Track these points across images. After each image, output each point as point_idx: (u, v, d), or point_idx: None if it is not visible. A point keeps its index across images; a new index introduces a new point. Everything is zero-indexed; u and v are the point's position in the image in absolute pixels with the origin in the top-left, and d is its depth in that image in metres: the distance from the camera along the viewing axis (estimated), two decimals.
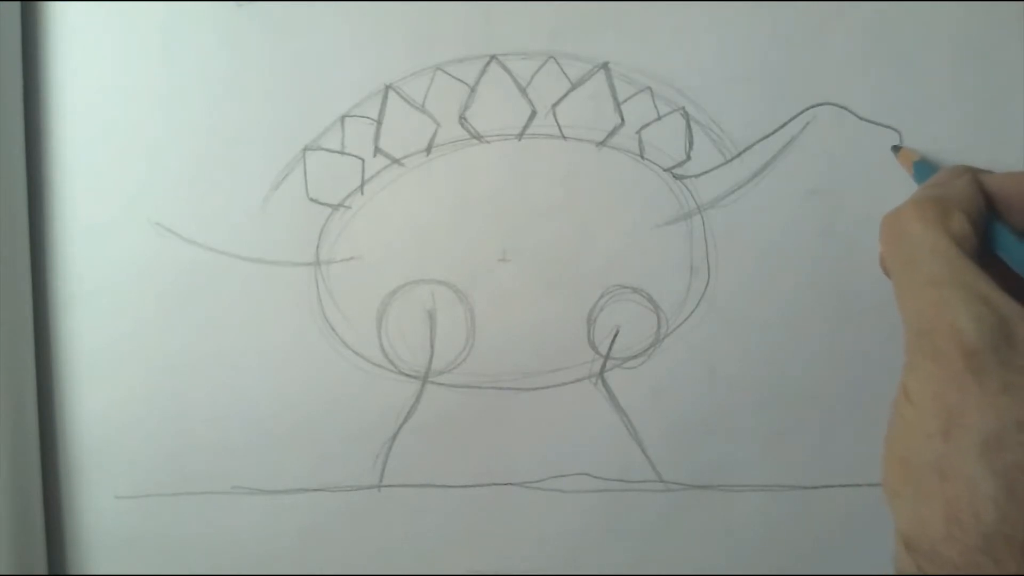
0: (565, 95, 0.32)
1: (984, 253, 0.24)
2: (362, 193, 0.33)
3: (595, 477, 0.34)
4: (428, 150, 0.33)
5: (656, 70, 0.32)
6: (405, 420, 0.34)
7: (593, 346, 0.33)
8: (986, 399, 0.20)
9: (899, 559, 0.22)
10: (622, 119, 0.32)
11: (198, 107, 0.33)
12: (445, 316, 0.33)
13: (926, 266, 0.23)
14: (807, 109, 0.32)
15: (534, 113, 0.32)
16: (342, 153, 0.33)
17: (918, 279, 0.23)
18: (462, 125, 0.33)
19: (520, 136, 0.33)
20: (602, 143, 0.33)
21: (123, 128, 0.33)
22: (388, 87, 0.33)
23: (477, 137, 0.33)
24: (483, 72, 0.32)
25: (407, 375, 0.34)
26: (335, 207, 0.33)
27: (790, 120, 0.32)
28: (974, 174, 0.25)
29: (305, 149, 0.33)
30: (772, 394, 0.33)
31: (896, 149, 0.31)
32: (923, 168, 0.29)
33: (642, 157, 0.33)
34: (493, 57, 0.32)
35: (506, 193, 0.33)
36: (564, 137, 0.33)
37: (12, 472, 0.32)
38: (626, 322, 0.33)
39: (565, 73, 0.32)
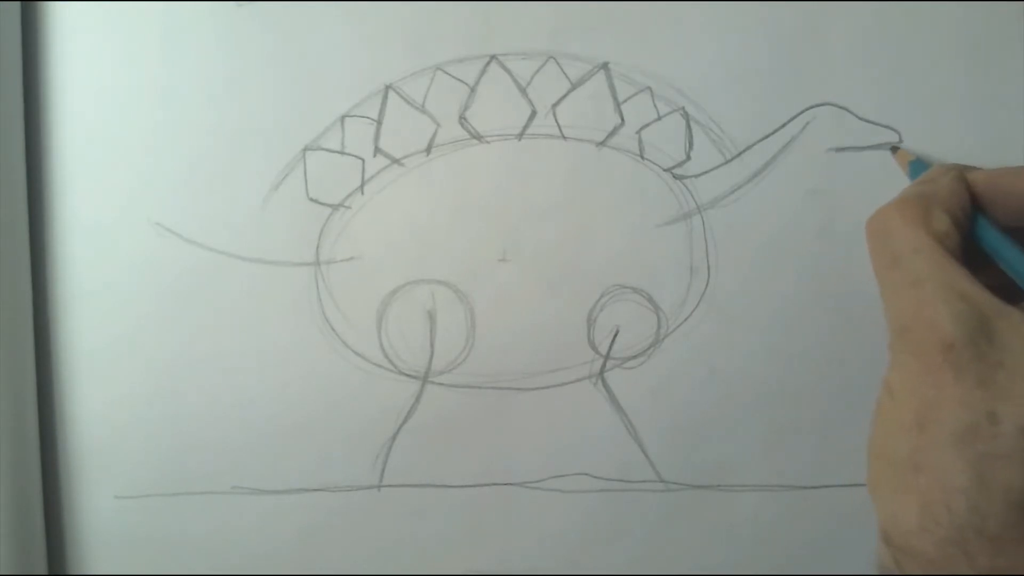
0: (565, 95, 0.32)
1: (970, 249, 0.24)
2: (362, 193, 0.33)
3: (595, 477, 0.34)
4: (428, 150, 0.33)
5: (656, 70, 0.32)
6: (405, 420, 0.34)
7: (593, 346, 0.33)
8: (961, 392, 0.21)
9: (879, 554, 0.23)
10: (622, 119, 0.32)
11: (198, 107, 0.33)
12: (445, 316, 0.33)
13: (908, 264, 0.23)
14: (807, 109, 0.32)
15: (534, 113, 0.33)
16: (342, 153, 0.33)
17: (900, 277, 0.23)
18: (462, 125, 0.33)
19: (520, 136, 0.33)
20: (602, 143, 0.33)
21: (123, 128, 0.33)
22: (388, 87, 0.33)
23: (477, 137, 0.33)
24: (483, 72, 0.32)
25: (407, 375, 0.34)
26: (335, 207, 0.33)
27: (790, 120, 0.32)
28: (960, 171, 0.25)
29: (305, 149, 0.33)
30: (772, 394, 0.33)
31: (894, 150, 0.31)
32: (918, 167, 0.29)
33: (642, 157, 0.33)
34: (493, 57, 0.32)
35: (506, 193, 0.33)
36: (564, 137, 0.33)
37: (12, 472, 0.32)
38: (626, 322, 0.33)
39: (565, 73, 0.32)
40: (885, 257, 0.24)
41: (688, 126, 0.32)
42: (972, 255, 0.24)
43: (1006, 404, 0.20)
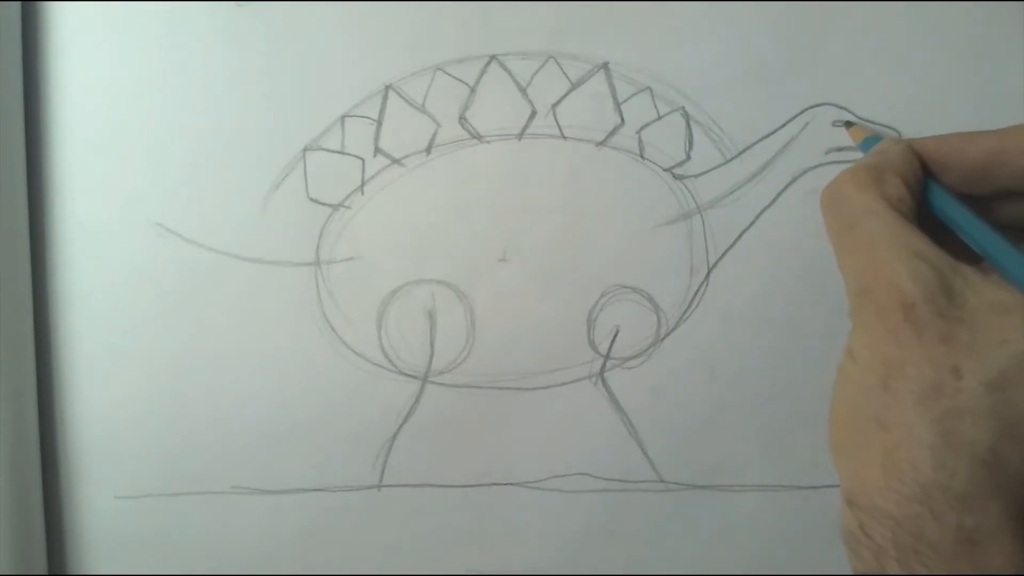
0: (565, 95, 0.32)
1: (924, 215, 0.24)
2: (362, 193, 0.33)
3: (595, 477, 0.34)
4: (428, 150, 0.33)
5: (656, 70, 0.32)
6: (405, 420, 0.34)
7: (593, 346, 0.33)
8: (924, 349, 0.21)
9: (843, 518, 0.23)
10: (622, 119, 0.32)
11: (198, 107, 0.33)
12: (445, 316, 0.33)
13: (863, 227, 0.23)
14: (807, 109, 0.32)
15: (534, 113, 0.33)
16: (342, 153, 0.33)
17: (856, 241, 0.23)
18: (462, 125, 0.33)
19: (520, 136, 0.33)
20: (602, 143, 0.33)
21: (123, 128, 0.33)
22: (388, 87, 0.33)
23: (477, 137, 0.33)
24: (483, 72, 0.32)
25: (407, 375, 0.34)
26: (335, 207, 0.33)
27: (790, 120, 0.32)
28: (910, 142, 0.26)
29: (305, 149, 0.33)
30: (772, 394, 0.33)
31: (849, 125, 0.31)
32: (870, 144, 0.29)
33: (642, 157, 0.33)
34: (493, 57, 0.32)
35: (506, 193, 0.33)
36: (564, 137, 0.33)
37: (12, 472, 0.32)
38: (626, 322, 0.33)
39: (565, 73, 0.32)
40: (840, 224, 0.24)
41: (688, 126, 0.32)
42: (927, 225, 0.24)
43: (969, 359, 0.20)
